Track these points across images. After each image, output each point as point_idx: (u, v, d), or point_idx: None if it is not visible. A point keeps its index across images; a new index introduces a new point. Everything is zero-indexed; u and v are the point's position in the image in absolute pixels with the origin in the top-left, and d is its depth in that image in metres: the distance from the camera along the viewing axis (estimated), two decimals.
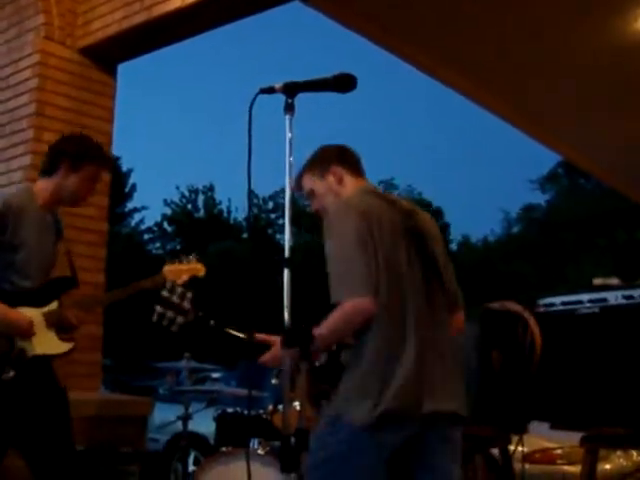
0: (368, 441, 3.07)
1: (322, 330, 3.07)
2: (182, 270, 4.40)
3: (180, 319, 3.31)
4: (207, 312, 3.34)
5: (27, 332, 4.01)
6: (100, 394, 6.50)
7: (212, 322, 3.29)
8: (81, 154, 4.24)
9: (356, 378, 3.14)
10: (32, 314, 4.05)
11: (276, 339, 3.27)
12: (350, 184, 3.50)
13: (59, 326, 4.14)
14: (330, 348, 3.47)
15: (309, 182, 3.57)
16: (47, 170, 4.28)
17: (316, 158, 3.58)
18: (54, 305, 4.15)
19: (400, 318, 3.15)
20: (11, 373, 3.94)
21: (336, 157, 3.54)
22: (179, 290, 3.31)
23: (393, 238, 3.20)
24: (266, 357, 3.35)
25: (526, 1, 6.68)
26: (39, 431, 4.07)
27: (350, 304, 3.08)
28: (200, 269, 4.45)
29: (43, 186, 4.27)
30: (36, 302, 4.11)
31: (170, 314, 3.29)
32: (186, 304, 3.31)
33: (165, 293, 3.30)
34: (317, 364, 3.34)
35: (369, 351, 3.12)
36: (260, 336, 3.52)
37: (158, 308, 3.30)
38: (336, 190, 3.50)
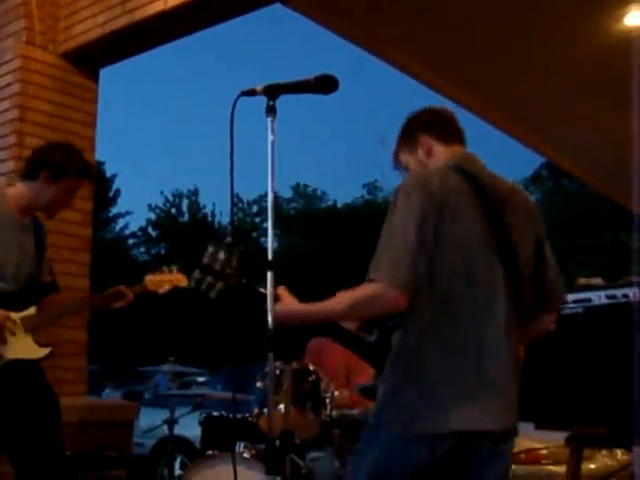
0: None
1: (341, 305, 2.87)
2: (164, 281, 4.43)
3: (220, 284, 3.20)
4: (250, 279, 3.20)
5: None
6: (86, 399, 6.48)
7: (261, 289, 3.09)
8: (63, 166, 4.21)
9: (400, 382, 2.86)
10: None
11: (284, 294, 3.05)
12: (440, 154, 3.13)
13: (37, 331, 4.12)
14: (342, 323, 3.27)
15: (403, 158, 3.23)
16: (27, 175, 4.27)
17: (404, 129, 3.23)
18: (32, 310, 4.14)
19: (466, 317, 2.83)
20: None
21: (423, 125, 3.18)
22: (222, 257, 3.21)
23: (466, 227, 2.85)
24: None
25: (509, 4, 6.70)
26: (27, 436, 4.05)
27: (379, 288, 2.77)
28: (181, 279, 4.46)
29: (20, 190, 4.25)
30: (13, 306, 4.08)
31: (210, 279, 3.20)
32: (229, 270, 3.20)
33: (207, 260, 3.21)
34: (369, 340, 3.22)
35: (419, 352, 2.83)
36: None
37: (196, 273, 3.20)
38: (425, 164, 3.15)
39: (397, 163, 3.27)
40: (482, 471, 2.90)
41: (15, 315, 4.07)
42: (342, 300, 2.87)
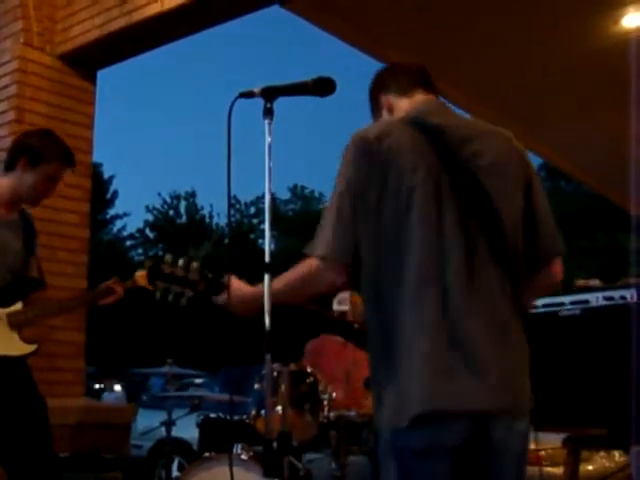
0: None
1: (279, 284, 2.72)
2: None
3: (189, 292, 3.15)
4: (215, 276, 3.11)
5: None
6: (84, 401, 6.48)
7: (224, 280, 2.99)
8: (39, 151, 4.10)
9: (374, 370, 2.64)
10: None
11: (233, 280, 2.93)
12: (401, 107, 2.88)
13: (22, 327, 4.08)
14: (284, 305, 2.93)
15: None
16: (7, 166, 4.17)
17: (369, 98, 3.04)
18: (18, 306, 4.08)
19: (409, 290, 2.51)
20: None
21: (381, 85, 2.98)
22: (182, 262, 3.15)
23: (418, 188, 2.54)
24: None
25: (508, 4, 6.71)
26: (13, 435, 4.01)
27: (314, 265, 2.63)
28: None
29: (2, 183, 4.17)
30: None
31: (176, 288, 3.14)
32: (194, 275, 3.14)
33: (166, 268, 3.14)
34: (356, 326, 3.13)
35: (378, 334, 2.61)
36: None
37: (159, 284, 3.13)
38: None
39: None
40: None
41: (1, 311, 4.01)
42: (280, 279, 2.74)
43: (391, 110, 2.92)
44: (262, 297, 2.74)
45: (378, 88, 2.99)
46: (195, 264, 3.12)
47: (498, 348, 2.55)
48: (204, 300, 3.11)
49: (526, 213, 2.72)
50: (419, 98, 2.89)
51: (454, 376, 2.46)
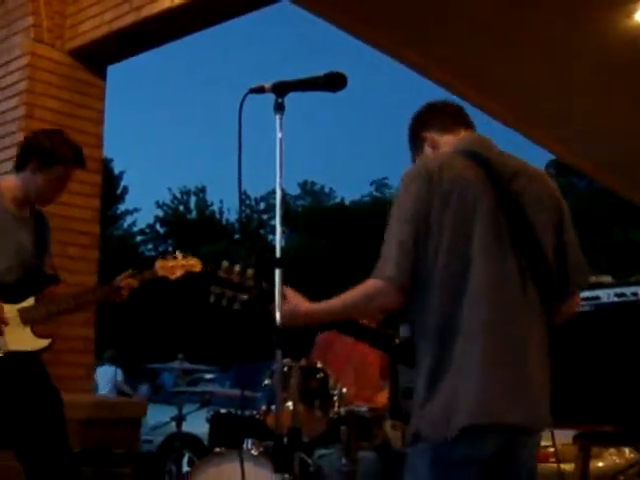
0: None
1: (336, 301, 2.86)
2: (176, 266, 4.28)
3: (243, 297, 3.21)
4: (270, 285, 3.20)
5: None
6: (94, 396, 6.49)
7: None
8: (50, 152, 4.11)
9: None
10: (6, 310, 4.00)
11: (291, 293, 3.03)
12: (446, 143, 3.03)
13: (35, 322, 4.09)
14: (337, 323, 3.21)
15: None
16: (18, 165, 4.19)
17: (409, 135, 3.19)
18: (31, 301, 4.09)
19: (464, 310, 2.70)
20: None
21: (422, 122, 3.13)
22: (237, 268, 3.23)
23: (475, 213, 2.73)
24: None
25: (519, 2, 6.68)
26: (30, 430, 4.03)
27: (375, 284, 2.75)
28: (195, 264, 4.31)
29: (13, 182, 4.18)
30: (10, 298, 4.05)
31: (229, 293, 3.22)
32: (248, 281, 3.22)
33: (222, 273, 3.22)
34: (402, 337, 3.17)
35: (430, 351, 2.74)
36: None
37: (214, 288, 3.21)
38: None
39: None
40: None
41: (13, 307, 4.03)
42: (343, 298, 2.85)
43: (435, 146, 3.06)
44: (315, 314, 2.93)
45: (420, 126, 3.12)
46: (250, 271, 3.22)
47: (539, 367, 2.83)
48: (255, 306, 3.19)
49: (558, 246, 2.92)
50: (464, 135, 3.04)
51: (505, 390, 2.67)
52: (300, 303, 2.99)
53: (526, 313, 2.78)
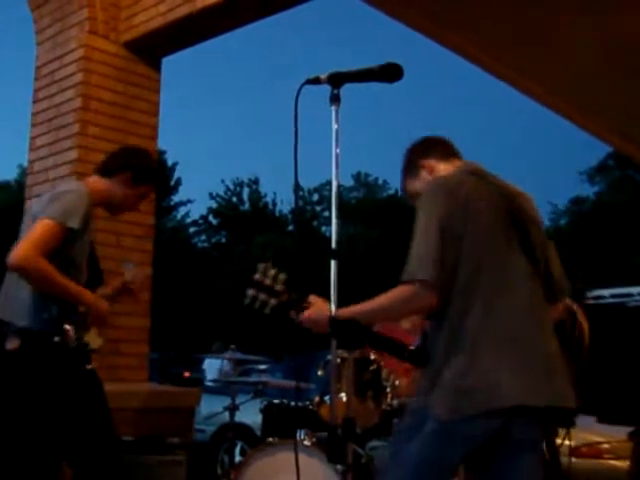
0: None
1: (372, 304, 3.03)
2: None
3: (273, 301, 3.29)
4: (300, 295, 3.31)
5: (106, 320, 4.10)
6: (148, 385, 6.55)
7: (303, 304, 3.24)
8: (142, 172, 4.31)
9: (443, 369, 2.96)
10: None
11: (316, 299, 3.24)
12: (444, 170, 3.34)
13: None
14: (371, 325, 3.29)
15: (411, 186, 3.47)
16: (106, 171, 4.31)
17: (405, 163, 3.50)
18: None
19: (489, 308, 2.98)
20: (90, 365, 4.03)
21: (421, 152, 3.44)
22: (272, 272, 3.30)
23: (489, 221, 3.05)
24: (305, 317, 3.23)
25: None
26: (75, 423, 4.03)
27: (410, 287, 2.94)
28: None
29: (97, 185, 4.25)
30: None
31: (263, 296, 3.29)
32: (279, 286, 3.30)
33: (258, 276, 3.29)
34: (412, 347, 3.26)
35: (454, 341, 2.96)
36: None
37: (250, 291, 3.29)
38: (430, 179, 3.36)
39: (407, 195, 3.51)
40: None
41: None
42: (377, 300, 3.03)
43: (432, 171, 3.37)
44: (333, 321, 2.99)
45: (419, 154, 3.44)
46: (282, 276, 3.33)
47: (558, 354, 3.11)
48: (283, 311, 3.27)
49: (545, 259, 3.23)
50: (460, 162, 3.38)
51: (530, 375, 2.95)
52: (325, 309, 3.07)
53: (540, 302, 3.13)
